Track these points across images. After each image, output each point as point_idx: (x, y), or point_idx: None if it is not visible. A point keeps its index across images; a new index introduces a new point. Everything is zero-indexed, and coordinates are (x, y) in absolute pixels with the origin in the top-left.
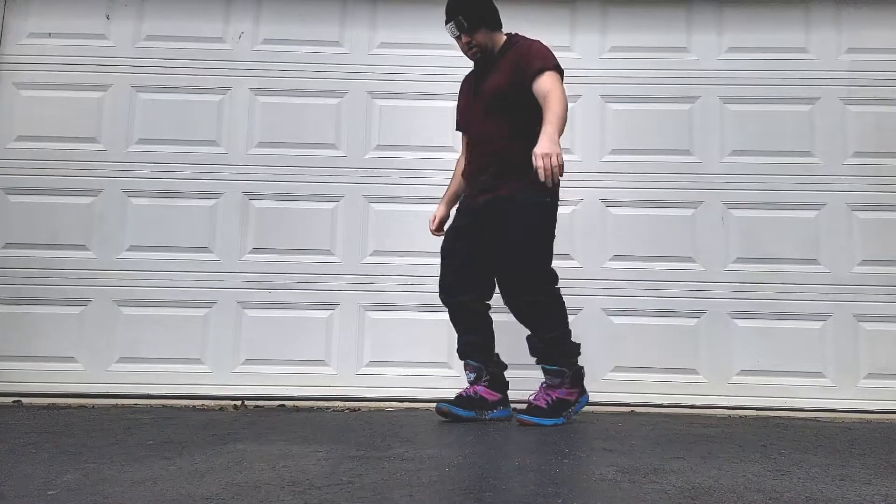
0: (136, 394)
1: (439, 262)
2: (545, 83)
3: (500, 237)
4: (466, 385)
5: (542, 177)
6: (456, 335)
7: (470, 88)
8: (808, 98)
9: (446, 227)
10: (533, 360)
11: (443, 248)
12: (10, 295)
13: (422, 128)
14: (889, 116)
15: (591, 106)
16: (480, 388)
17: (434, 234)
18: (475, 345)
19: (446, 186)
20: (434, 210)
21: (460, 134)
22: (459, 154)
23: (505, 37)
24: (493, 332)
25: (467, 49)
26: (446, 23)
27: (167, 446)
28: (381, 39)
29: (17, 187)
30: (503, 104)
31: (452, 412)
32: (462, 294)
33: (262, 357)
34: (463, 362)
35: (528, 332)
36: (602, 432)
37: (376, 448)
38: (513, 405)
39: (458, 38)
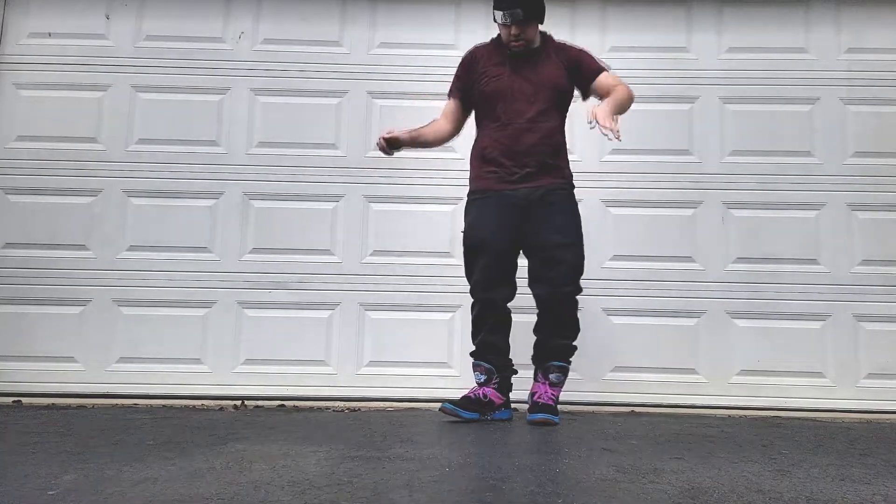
0: (136, 394)
1: (463, 256)
2: (610, 78)
3: (547, 228)
4: (473, 385)
5: (601, 121)
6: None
7: (505, 68)
8: (807, 98)
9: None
10: (532, 359)
11: (473, 241)
12: (10, 295)
13: None
14: (889, 116)
15: (591, 106)
16: (489, 391)
17: (380, 142)
18: (495, 347)
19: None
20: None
21: (450, 101)
22: (441, 118)
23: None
24: (509, 336)
25: (514, 40)
26: (499, 8)
27: (167, 446)
28: (381, 39)
29: (17, 187)
30: (557, 98)
31: (458, 414)
32: (497, 292)
33: (262, 357)
34: (473, 362)
35: (544, 332)
36: (602, 432)
37: (376, 448)
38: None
39: (506, 26)
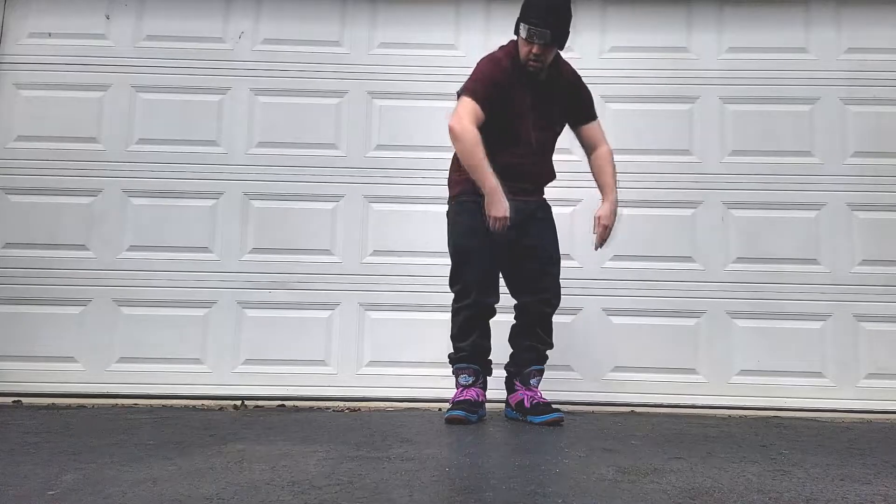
0: (136, 394)
1: (453, 261)
2: (600, 134)
3: (542, 241)
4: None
5: (598, 242)
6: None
7: (527, 94)
8: (808, 98)
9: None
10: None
11: (466, 246)
12: (10, 295)
13: (422, 128)
14: (889, 116)
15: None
16: (479, 391)
17: (502, 230)
18: (485, 350)
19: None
20: (501, 206)
21: (479, 111)
22: (473, 128)
23: None
24: None
25: (533, 59)
26: (527, 23)
27: (167, 446)
28: (381, 39)
29: (17, 187)
30: (559, 131)
31: (469, 419)
32: (494, 296)
33: (262, 357)
34: (459, 365)
35: (528, 341)
36: (602, 432)
37: (376, 448)
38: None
39: (529, 43)
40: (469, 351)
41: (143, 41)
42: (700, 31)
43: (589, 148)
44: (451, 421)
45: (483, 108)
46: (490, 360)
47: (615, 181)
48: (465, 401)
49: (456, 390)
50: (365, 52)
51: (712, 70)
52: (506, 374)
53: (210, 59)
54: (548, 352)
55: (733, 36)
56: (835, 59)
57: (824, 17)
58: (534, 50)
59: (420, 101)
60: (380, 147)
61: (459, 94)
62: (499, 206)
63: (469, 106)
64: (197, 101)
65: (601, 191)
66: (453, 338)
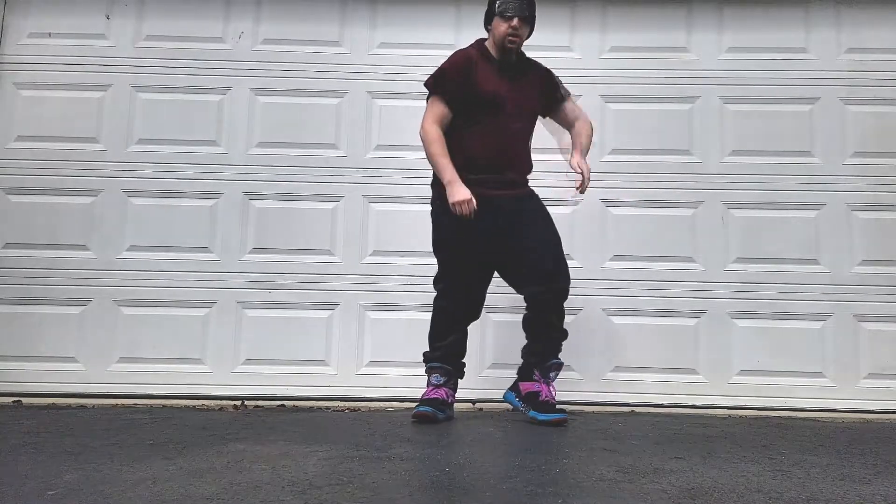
0: (136, 394)
1: (443, 262)
2: (579, 110)
3: (536, 229)
4: (438, 384)
5: (582, 187)
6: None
7: (501, 77)
8: (808, 98)
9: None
10: (531, 360)
11: (459, 248)
12: (10, 295)
13: None
14: (889, 116)
15: (591, 106)
16: (448, 392)
17: (470, 214)
18: (461, 351)
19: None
20: (460, 192)
21: (441, 106)
22: (435, 127)
23: None
24: None
25: (513, 35)
26: (520, 1)
27: (167, 446)
28: (381, 39)
29: (17, 187)
30: (534, 119)
31: (436, 416)
32: (476, 299)
33: (262, 357)
34: (434, 365)
35: (545, 331)
36: (602, 432)
37: (376, 448)
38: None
39: (508, 19)
40: (444, 351)
41: (143, 41)
42: (700, 31)
43: (570, 123)
44: (418, 416)
45: (450, 103)
46: (464, 363)
47: (589, 143)
48: (433, 399)
49: (426, 388)
50: (365, 52)
51: (712, 70)
52: (522, 362)
53: (210, 59)
54: (564, 336)
55: (733, 36)
56: (835, 59)
57: (824, 17)
58: (513, 23)
59: (420, 101)
60: (380, 147)
61: (427, 87)
62: (458, 191)
63: (433, 108)
64: (197, 101)
65: (573, 143)
66: (431, 337)
